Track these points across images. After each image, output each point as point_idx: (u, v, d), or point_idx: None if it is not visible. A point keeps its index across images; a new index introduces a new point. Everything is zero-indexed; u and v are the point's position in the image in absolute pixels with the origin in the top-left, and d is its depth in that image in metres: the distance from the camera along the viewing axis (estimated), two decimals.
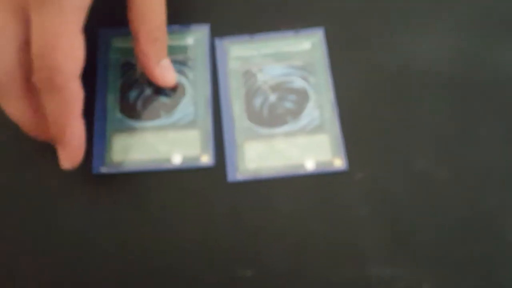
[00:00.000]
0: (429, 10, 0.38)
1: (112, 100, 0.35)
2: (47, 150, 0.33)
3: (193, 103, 0.35)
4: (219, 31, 0.37)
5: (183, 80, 0.35)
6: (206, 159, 0.34)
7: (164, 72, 0.34)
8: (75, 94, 0.29)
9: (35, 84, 0.29)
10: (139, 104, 0.35)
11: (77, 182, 0.33)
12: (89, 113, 0.34)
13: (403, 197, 0.33)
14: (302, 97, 0.35)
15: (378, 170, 0.34)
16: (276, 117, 0.34)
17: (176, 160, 0.34)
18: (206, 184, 0.33)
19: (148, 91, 0.35)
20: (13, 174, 0.34)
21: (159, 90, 0.35)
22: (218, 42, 0.37)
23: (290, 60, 0.36)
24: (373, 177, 0.34)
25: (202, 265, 0.32)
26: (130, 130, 0.34)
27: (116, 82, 0.35)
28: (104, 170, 0.33)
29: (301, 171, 0.33)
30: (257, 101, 0.35)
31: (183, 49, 0.36)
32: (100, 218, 0.33)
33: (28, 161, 0.34)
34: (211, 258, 0.32)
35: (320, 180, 0.33)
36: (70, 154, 0.30)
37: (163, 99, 0.35)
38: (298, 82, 0.35)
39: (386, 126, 0.35)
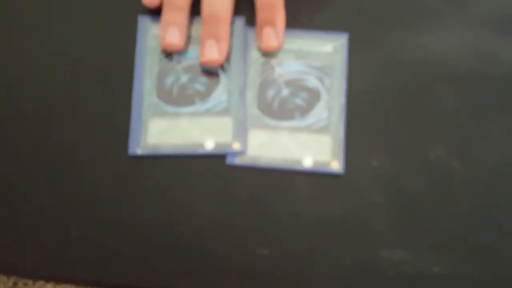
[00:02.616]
0: (446, 8, 0.38)
1: (149, 85, 0.36)
2: (94, 130, 0.36)
3: (227, 91, 0.36)
4: (252, 22, 0.38)
5: (218, 69, 0.37)
6: (238, 146, 0.35)
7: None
8: None
9: None
10: (175, 90, 0.36)
11: (113, 162, 0.35)
12: (127, 96, 0.36)
13: (415, 184, 0.34)
14: (313, 96, 0.36)
15: (391, 159, 0.35)
16: (285, 111, 0.36)
17: (209, 145, 0.35)
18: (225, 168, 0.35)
19: (183, 78, 0.37)
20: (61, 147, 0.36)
21: (194, 78, 0.37)
22: (247, 30, 0.38)
23: (309, 59, 0.37)
24: (387, 165, 0.35)
25: (223, 242, 0.34)
26: (166, 114, 0.36)
27: (154, 68, 0.37)
28: (139, 151, 0.35)
29: (297, 167, 0.35)
30: (270, 93, 0.36)
31: None
32: (130, 195, 0.35)
33: (75, 137, 0.36)
34: (232, 236, 0.34)
35: None
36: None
37: (198, 87, 0.36)
38: (313, 82, 0.36)
39: (403, 116, 0.36)
